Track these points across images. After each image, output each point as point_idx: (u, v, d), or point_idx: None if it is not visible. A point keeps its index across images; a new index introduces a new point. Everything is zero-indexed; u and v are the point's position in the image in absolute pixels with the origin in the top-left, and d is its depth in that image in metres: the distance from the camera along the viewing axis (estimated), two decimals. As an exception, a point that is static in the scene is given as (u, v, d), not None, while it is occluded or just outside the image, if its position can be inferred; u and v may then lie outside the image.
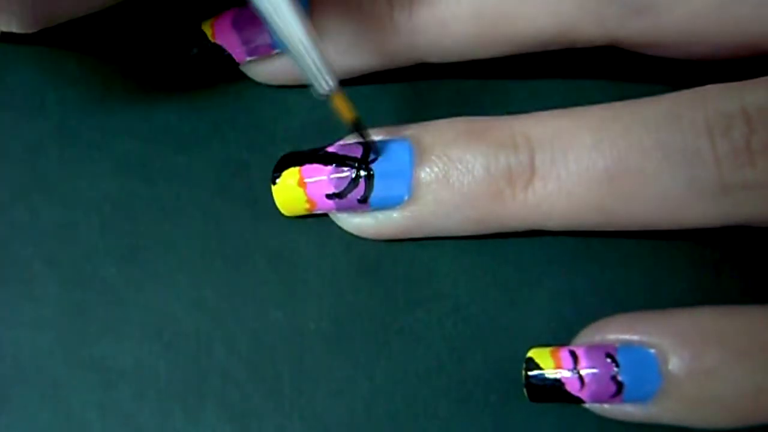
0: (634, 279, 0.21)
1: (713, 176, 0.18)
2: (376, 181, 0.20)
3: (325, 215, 0.22)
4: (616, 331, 0.19)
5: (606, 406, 0.19)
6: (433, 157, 0.20)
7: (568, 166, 0.19)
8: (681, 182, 0.18)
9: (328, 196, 0.20)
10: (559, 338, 0.20)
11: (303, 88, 0.22)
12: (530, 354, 0.20)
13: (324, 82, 0.18)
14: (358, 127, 0.20)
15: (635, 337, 0.19)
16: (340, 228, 0.21)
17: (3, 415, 0.21)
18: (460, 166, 0.20)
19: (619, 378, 0.19)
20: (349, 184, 0.20)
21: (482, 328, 0.21)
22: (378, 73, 0.22)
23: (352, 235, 0.21)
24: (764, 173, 0.18)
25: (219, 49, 0.22)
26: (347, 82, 0.22)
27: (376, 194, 0.20)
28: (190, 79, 0.23)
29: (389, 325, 0.21)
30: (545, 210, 0.19)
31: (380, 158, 0.20)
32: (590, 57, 0.22)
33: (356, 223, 0.21)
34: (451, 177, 0.20)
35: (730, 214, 0.19)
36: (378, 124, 0.21)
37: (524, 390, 0.20)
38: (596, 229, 0.20)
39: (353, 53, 0.21)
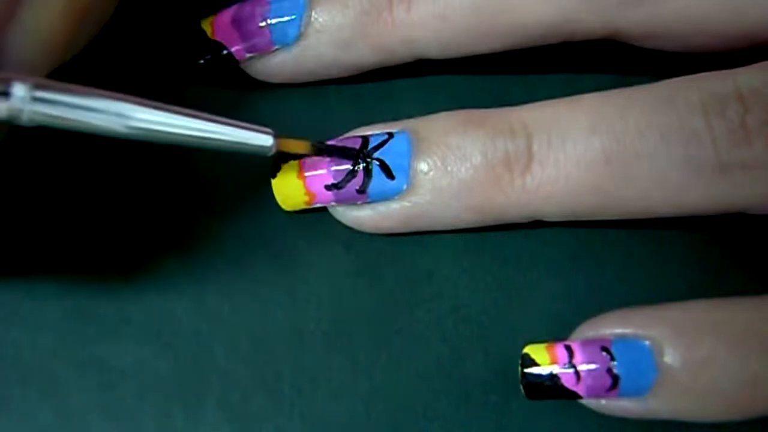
0: (633, 279, 0.21)
1: (710, 156, 0.18)
2: (375, 171, 0.20)
3: (325, 214, 0.22)
4: (611, 325, 0.19)
5: (603, 401, 0.19)
6: (432, 146, 0.20)
7: (565, 150, 0.19)
8: (678, 162, 0.18)
9: (327, 187, 0.20)
10: (558, 338, 0.20)
11: (303, 87, 0.22)
12: (526, 350, 0.20)
13: (263, 141, 0.19)
14: (320, 150, 0.20)
15: (629, 330, 0.19)
16: (340, 228, 0.21)
17: (3, 415, 0.21)
18: (457, 154, 0.20)
19: (615, 371, 0.19)
20: (348, 174, 0.20)
21: (482, 328, 0.21)
22: (377, 71, 0.22)
23: (352, 235, 0.22)
24: (761, 152, 0.18)
25: (219, 47, 0.22)
26: (348, 80, 0.22)
27: (374, 185, 0.20)
28: (189, 78, 0.23)
29: (389, 325, 0.21)
30: (544, 195, 0.19)
31: (378, 149, 0.20)
32: (590, 54, 0.22)
33: (355, 215, 0.21)
34: (449, 165, 0.20)
35: (729, 197, 0.19)
36: (377, 121, 0.21)
37: (521, 387, 0.20)
38: (596, 217, 0.20)
39: (352, 49, 0.21)
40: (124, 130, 0.17)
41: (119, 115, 0.17)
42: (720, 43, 0.20)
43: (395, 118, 0.21)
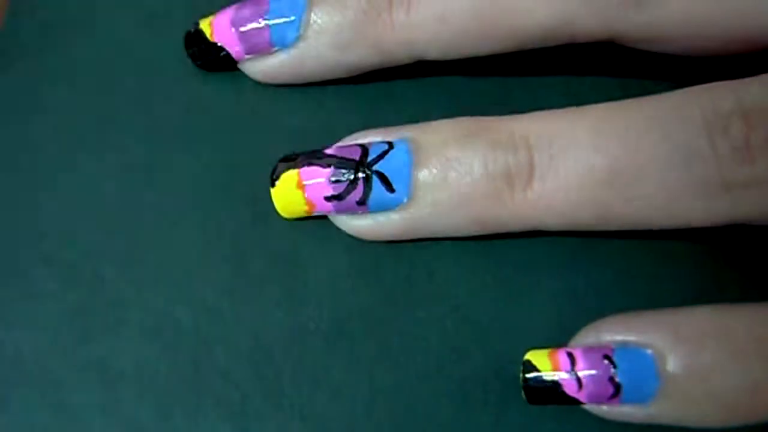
0: (634, 280, 0.21)
1: (714, 174, 0.18)
2: (375, 183, 0.20)
3: (325, 215, 0.22)
4: (613, 332, 0.19)
5: (605, 407, 0.19)
6: (432, 158, 0.20)
7: (566, 165, 0.19)
8: (681, 181, 0.18)
9: (327, 199, 0.20)
10: (559, 339, 0.20)
11: (303, 87, 0.23)
12: (527, 356, 0.20)
13: None
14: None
15: (631, 338, 0.19)
16: (340, 228, 0.21)
17: (3, 415, 0.21)
18: (458, 166, 0.20)
19: (617, 379, 0.19)
20: (348, 186, 0.20)
21: (482, 328, 0.21)
22: (377, 72, 0.22)
23: (352, 235, 0.21)
24: (764, 170, 0.18)
25: (218, 48, 0.22)
26: (348, 80, 0.22)
27: (374, 196, 0.20)
28: (189, 78, 0.23)
29: (389, 325, 0.21)
30: (544, 209, 0.19)
31: (378, 161, 0.20)
32: (591, 56, 0.22)
33: (355, 225, 0.21)
34: (449, 177, 0.20)
35: (731, 213, 0.19)
36: (377, 124, 0.21)
37: (522, 392, 0.20)
38: (596, 229, 0.20)
39: (352, 50, 0.21)
40: None
41: None
42: (722, 46, 0.20)
43: (395, 118, 0.21)
